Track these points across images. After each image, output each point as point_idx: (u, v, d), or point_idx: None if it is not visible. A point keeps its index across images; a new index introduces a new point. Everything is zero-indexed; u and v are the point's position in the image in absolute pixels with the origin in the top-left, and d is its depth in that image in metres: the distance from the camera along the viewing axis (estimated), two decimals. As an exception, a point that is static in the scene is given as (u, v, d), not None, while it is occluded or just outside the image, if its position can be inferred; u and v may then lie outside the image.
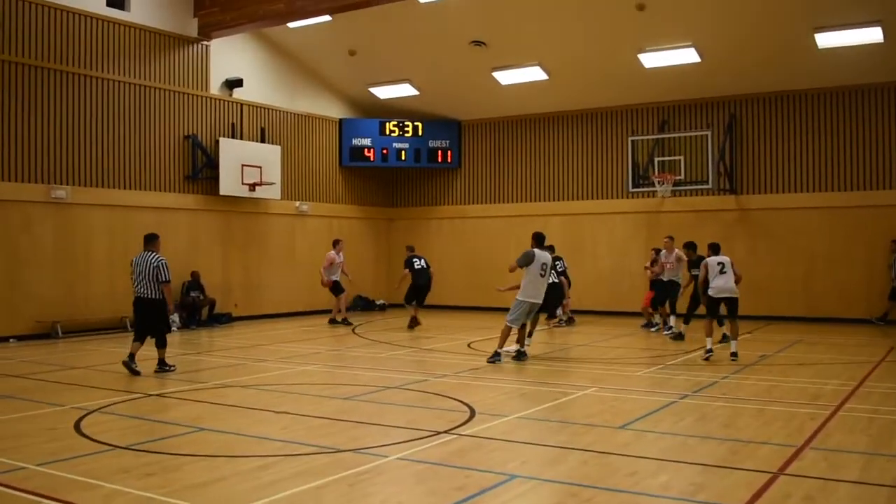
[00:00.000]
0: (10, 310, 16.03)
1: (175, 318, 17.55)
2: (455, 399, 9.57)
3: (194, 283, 18.82)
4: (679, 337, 15.71)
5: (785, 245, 19.95)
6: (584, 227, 22.62)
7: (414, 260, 18.61)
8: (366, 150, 24.03)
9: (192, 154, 19.59)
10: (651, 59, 19.75)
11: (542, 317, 16.16)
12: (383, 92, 23.73)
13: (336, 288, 19.43)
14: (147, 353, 11.99)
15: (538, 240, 13.32)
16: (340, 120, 24.09)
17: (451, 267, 23.58)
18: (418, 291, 18.45)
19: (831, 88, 19.69)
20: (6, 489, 5.93)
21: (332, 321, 19.61)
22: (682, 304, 16.46)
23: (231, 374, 11.82)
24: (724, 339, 14.92)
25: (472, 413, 8.73)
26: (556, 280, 15.42)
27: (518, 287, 13.10)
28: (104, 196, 17.69)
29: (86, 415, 8.65)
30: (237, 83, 20.65)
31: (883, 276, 18.75)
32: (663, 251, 17.16)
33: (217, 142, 19.98)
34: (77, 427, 8.05)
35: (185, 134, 19.48)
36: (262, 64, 21.70)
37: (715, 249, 13.63)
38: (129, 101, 18.29)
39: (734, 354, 12.83)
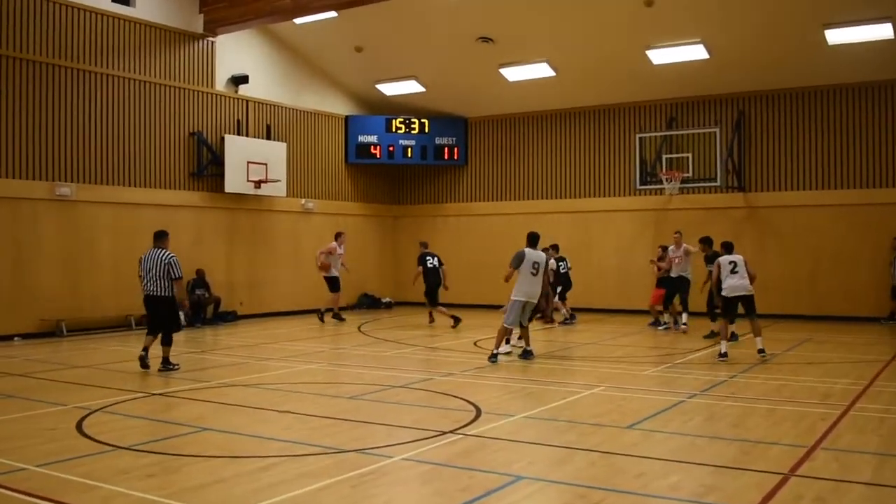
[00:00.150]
0: (14, 308, 15.97)
1: (181, 314, 17.47)
2: (461, 398, 9.47)
3: (199, 280, 18.75)
4: (714, 335, 15.15)
5: (793, 243, 19.80)
6: (592, 225, 22.49)
7: (427, 258, 18.53)
8: (372, 147, 23.94)
9: (198, 151, 19.52)
10: (659, 56, 19.61)
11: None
12: (390, 88, 23.62)
13: (335, 285, 19.39)
14: (153, 353, 11.91)
15: (530, 239, 13.24)
16: (346, 117, 23.99)
17: (457, 264, 23.41)
18: (431, 289, 18.41)
19: (841, 85, 19.53)
20: (4, 490, 5.84)
21: (336, 316, 19.61)
22: (697, 302, 16.42)
23: (235, 373, 11.73)
24: (733, 337, 14.78)
25: (478, 412, 8.63)
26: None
27: None
28: (109, 193, 17.63)
29: (88, 414, 8.57)
30: (243, 80, 20.57)
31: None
32: (671, 246, 17.04)
33: (222, 139, 19.90)
34: (79, 427, 7.97)
35: (191, 131, 19.40)
36: (268, 60, 21.61)
37: (728, 248, 13.41)
38: (134, 98, 18.22)
39: (762, 351, 12.63)
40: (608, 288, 22.03)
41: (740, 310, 13.06)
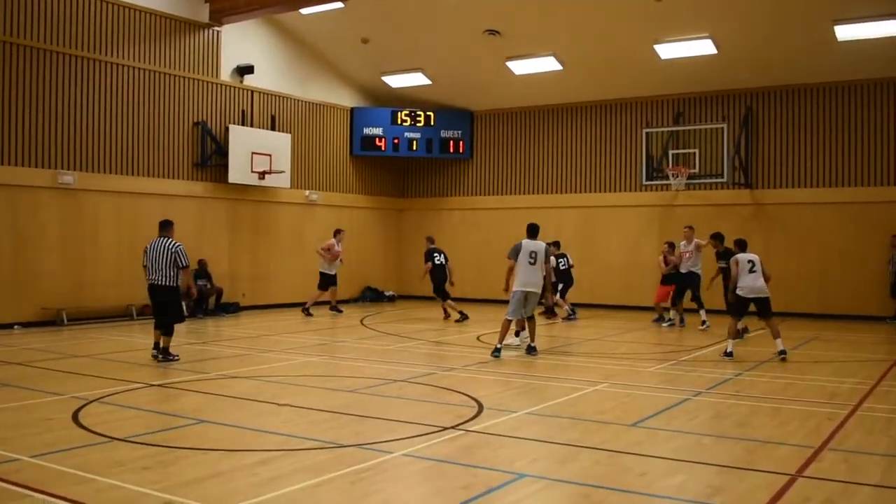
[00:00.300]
0: (15, 296, 15.88)
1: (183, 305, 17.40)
2: (463, 393, 9.35)
3: (202, 271, 18.64)
4: (744, 332, 14.89)
5: (800, 240, 19.63)
6: (597, 220, 22.36)
7: (434, 255, 18.44)
8: (377, 139, 23.81)
9: (202, 141, 19.39)
10: (667, 51, 19.46)
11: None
12: (396, 81, 23.49)
13: (326, 282, 19.39)
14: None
15: (529, 230, 13.16)
16: (352, 109, 23.86)
17: (462, 259, 23.29)
18: (438, 285, 18.34)
19: (850, 82, 19.36)
20: (-4, 481, 5.74)
21: (334, 308, 19.68)
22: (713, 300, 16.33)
23: (235, 365, 11.64)
24: (745, 331, 14.67)
25: (480, 408, 8.51)
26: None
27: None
28: (112, 182, 17.52)
29: (85, 405, 8.47)
30: (248, 70, 20.43)
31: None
32: (682, 241, 16.88)
33: (227, 129, 19.78)
34: (75, 417, 7.87)
35: (195, 120, 19.28)
36: (274, 51, 21.48)
37: (742, 246, 13.18)
38: (138, 87, 18.10)
39: (783, 352, 12.36)
40: (613, 284, 21.90)
41: (751, 309, 12.83)
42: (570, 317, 18.58)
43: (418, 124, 23.93)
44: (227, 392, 9.46)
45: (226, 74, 20.10)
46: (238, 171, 19.73)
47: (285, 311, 20.20)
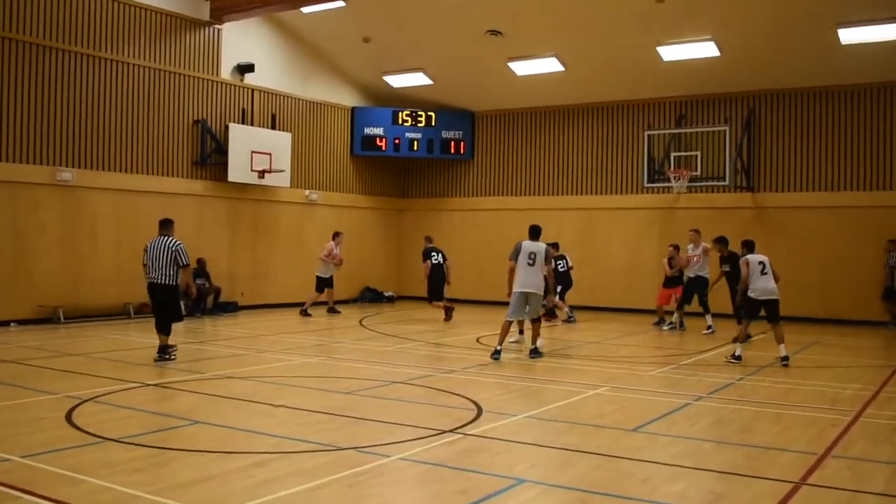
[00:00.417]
0: (12, 293, 15.77)
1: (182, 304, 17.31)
2: (461, 396, 9.25)
3: (200, 270, 18.52)
4: (747, 338, 14.65)
5: (802, 244, 19.50)
6: (598, 222, 22.26)
7: (432, 254, 18.37)
8: (378, 139, 23.71)
9: (201, 139, 19.29)
10: (669, 53, 19.37)
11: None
12: (397, 80, 23.39)
13: (326, 282, 19.41)
14: (152, 342, 11.73)
15: (530, 231, 13.15)
16: (353, 108, 23.77)
17: (462, 260, 23.22)
18: (435, 285, 18.26)
19: (853, 86, 19.26)
20: (-15, 482, 5.64)
21: (332, 309, 19.68)
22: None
23: (232, 365, 11.53)
24: (746, 338, 14.52)
25: (479, 411, 8.41)
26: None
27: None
28: (111, 180, 17.42)
29: (79, 404, 8.36)
30: (248, 68, 20.34)
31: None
32: (690, 245, 16.76)
33: (227, 127, 19.68)
34: (68, 417, 7.76)
35: (195, 119, 19.18)
36: (275, 49, 21.38)
37: (750, 247, 13.00)
38: (138, 84, 18.00)
39: (785, 358, 12.26)
40: (613, 286, 21.79)
41: (762, 313, 12.66)
42: (569, 319, 18.46)
43: (419, 124, 23.83)
44: (223, 392, 9.36)
45: (226, 72, 20.01)
46: (238, 170, 19.63)
47: (284, 311, 20.10)
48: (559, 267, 18.05)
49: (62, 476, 5.84)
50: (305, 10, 19.91)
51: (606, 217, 22.19)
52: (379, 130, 23.72)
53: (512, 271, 12.85)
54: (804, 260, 19.45)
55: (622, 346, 14.89)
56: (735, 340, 14.87)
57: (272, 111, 21.16)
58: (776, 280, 12.58)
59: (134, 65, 17.88)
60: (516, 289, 12.69)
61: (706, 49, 18.91)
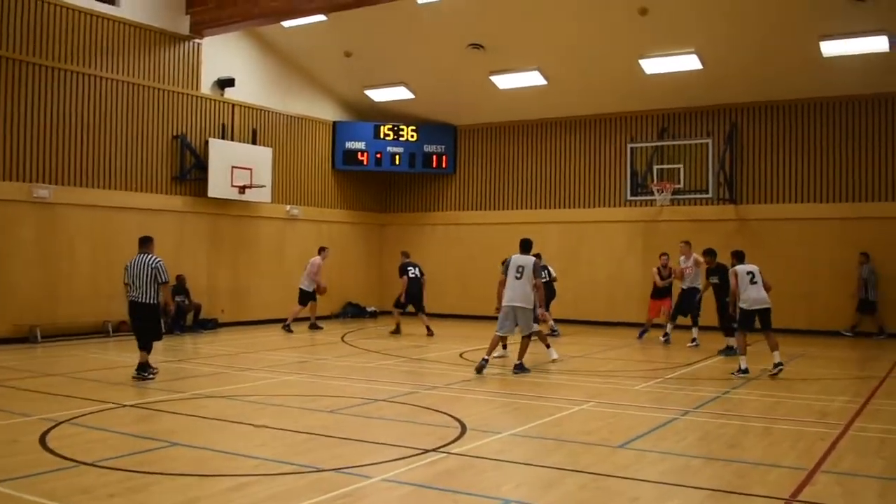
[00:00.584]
0: (-13, 312, 15.52)
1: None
2: (445, 413, 9.09)
3: (180, 287, 18.26)
4: (731, 351, 14.49)
5: (785, 256, 19.44)
6: (581, 236, 22.18)
7: (409, 268, 18.29)
8: (359, 153, 23.58)
9: (181, 154, 19.09)
10: (652, 66, 19.36)
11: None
12: (378, 95, 23.29)
13: (310, 296, 19.30)
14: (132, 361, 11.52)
15: (521, 245, 13.10)
16: (334, 122, 23.64)
17: (445, 274, 23.12)
18: (410, 300, 18.17)
19: (836, 98, 19.31)
20: (-47, 510, 5.45)
21: (313, 325, 19.53)
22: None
23: (212, 384, 11.32)
24: (730, 351, 14.48)
25: (463, 429, 8.26)
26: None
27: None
28: (88, 196, 17.18)
29: (53, 426, 8.15)
30: (229, 83, 20.18)
31: (886, 289, 18.43)
32: (681, 257, 16.70)
33: (207, 142, 19.49)
34: (42, 440, 7.55)
35: (174, 134, 18.99)
36: (255, 64, 21.25)
37: (740, 258, 12.92)
38: (117, 99, 17.79)
39: (779, 365, 12.20)
40: (596, 300, 21.71)
41: (756, 324, 12.54)
42: (553, 332, 18.34)
43: (401, 139, 23.73)
44: (203, 413, 9.16)
45: (206, 87, 19.84)
46: (218, 186, 19.44)
47: (265, 328, 19.87)
48: (543, 277, 17.94)
49: (35, 503, 5.65)
50: (286, 24, 19.81)
51: (589, 230, 22.12)
52: (360, 145, 23.60)
53: (501, 284, 12.76)
54: (787, 271, 19.36)
55: (607, 360, 14.80)
56: (723, 353, 14.88)
57: (253, 126, 21.01)
58: (767, 289, 12.48)
59: (112, 80, 17.68)
60: (504, 303, 12.62)
61: (689, 62, 18.92)
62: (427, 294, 18.87)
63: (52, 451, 7.14)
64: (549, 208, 22.83)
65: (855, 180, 19.17)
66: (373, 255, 24.93)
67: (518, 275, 12.56)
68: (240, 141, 20.49)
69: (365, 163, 23.61)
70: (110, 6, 17.68)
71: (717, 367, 13.58)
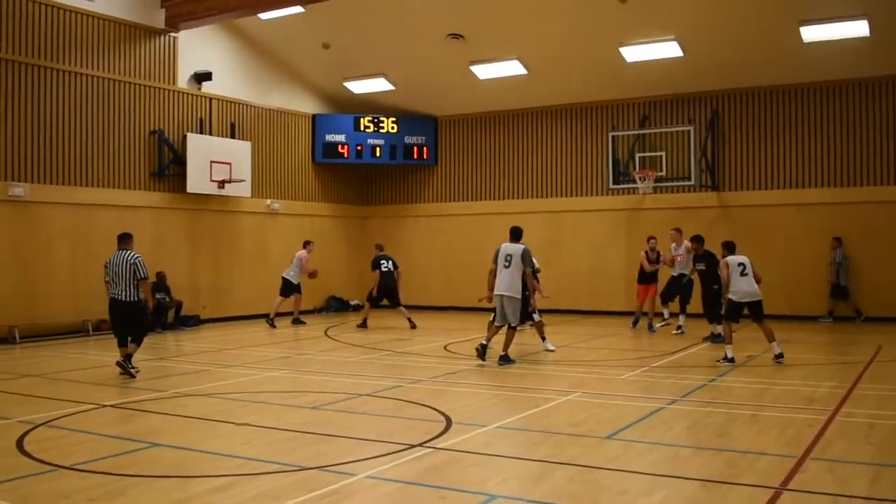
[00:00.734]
0: (-36, 313, 15.29)
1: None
2: (430, 407, 8.98)
3: (160, 284, 18.06)
4: (717, 338, 14.46)
5: (767, 242, 19.42)
6: (563, 225, 22.12)
7: (381, 262, 18.20)
8: (340, 146, 23.41)
9: (159, 150, 18.87)
10: (633, 53, 19.29)
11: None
12: (358, 86, 23.11)
13: (295, 288, 19.21)
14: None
15: (511, 233, 13.09)
16: (314, 115, 23.45)
17: (428, 266, 23.03)
18: (382, 294, 18.08)
19: (816, 83, 19.31)
20: (-74, 518, 5.30)
21: (296, 320, 19.43)
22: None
23: (194, 382, 11.17)
24: (716, 338, 14.44)
25: (449, 423, 8.16)
26: None
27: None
28: (65, 194, 16.94)
29: (31, 429, 7.98)
30: (206, 77, 19.95)
31: (865, 273, 18.47)
32: (672, 244, 16.63)
33: (185, 137, 19.27)
34: (19, 444, 7.39)
35: (151, 129, 18.76)
36: (233, 57, 21.02)
37: (731, 248, 12.80)
38: (92, 95, 17.54)
39: (780, 356, 12.14)
40: (579, 289, 21.65)
41: (745, 312, 12.48)
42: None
43: (381, 130, 23.56)
44: (184, 412, 9.02)
45: (183, 81, 19.61)
46: (197, 181, 19.23)
47: (248, 324, 19.71)
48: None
49: (10, 509, 5.52)
50: (263, 16, 19.59)
51: (572, 220, 22.05)
52: (341, 137, 23.42)
53: (491, 273, 12.68)
54: (769, 257, 19.30)
55: (592, 349, 14.74)
56: (708, 339, 14.84)
57: (231, 120, 20.79)
58: (758, 281, 12.41)
59: (87, 75, 17.42)
60: (494, 292, 12.58)
61: (669, 49, 18.86)
62: (403, 287, 18.78)
63: (29, 455, 6.99)
64: (532, 198, 22.75)
65: (836, 166, 19.19)
66: (355, 249, 24.75)
67: (507, 263, 12.49)
68: (218, 135, 20.28)
69: (345, 155, 23.44)
70: (84, 0, 17.38)
71: (704, 354, 13.54)
